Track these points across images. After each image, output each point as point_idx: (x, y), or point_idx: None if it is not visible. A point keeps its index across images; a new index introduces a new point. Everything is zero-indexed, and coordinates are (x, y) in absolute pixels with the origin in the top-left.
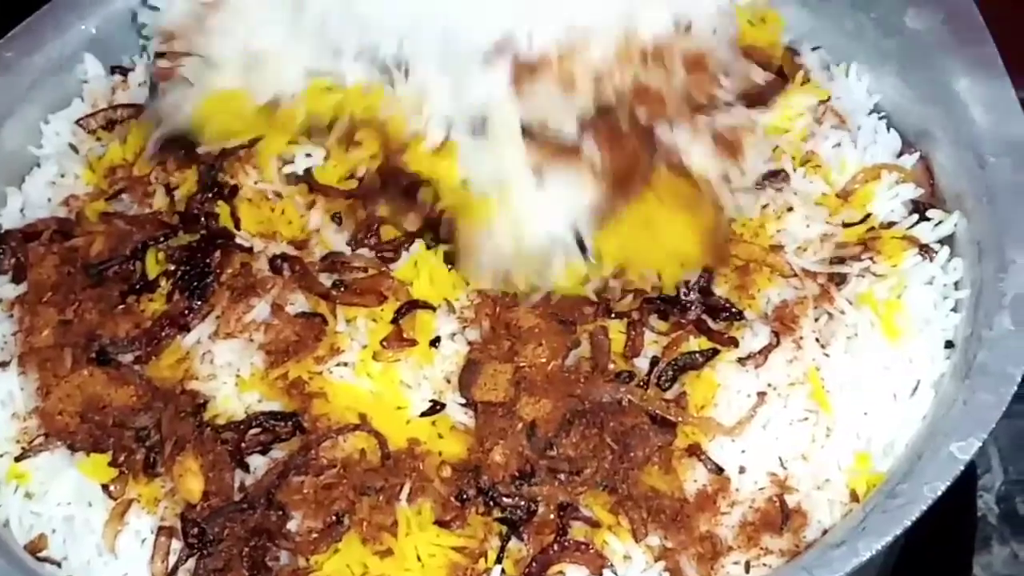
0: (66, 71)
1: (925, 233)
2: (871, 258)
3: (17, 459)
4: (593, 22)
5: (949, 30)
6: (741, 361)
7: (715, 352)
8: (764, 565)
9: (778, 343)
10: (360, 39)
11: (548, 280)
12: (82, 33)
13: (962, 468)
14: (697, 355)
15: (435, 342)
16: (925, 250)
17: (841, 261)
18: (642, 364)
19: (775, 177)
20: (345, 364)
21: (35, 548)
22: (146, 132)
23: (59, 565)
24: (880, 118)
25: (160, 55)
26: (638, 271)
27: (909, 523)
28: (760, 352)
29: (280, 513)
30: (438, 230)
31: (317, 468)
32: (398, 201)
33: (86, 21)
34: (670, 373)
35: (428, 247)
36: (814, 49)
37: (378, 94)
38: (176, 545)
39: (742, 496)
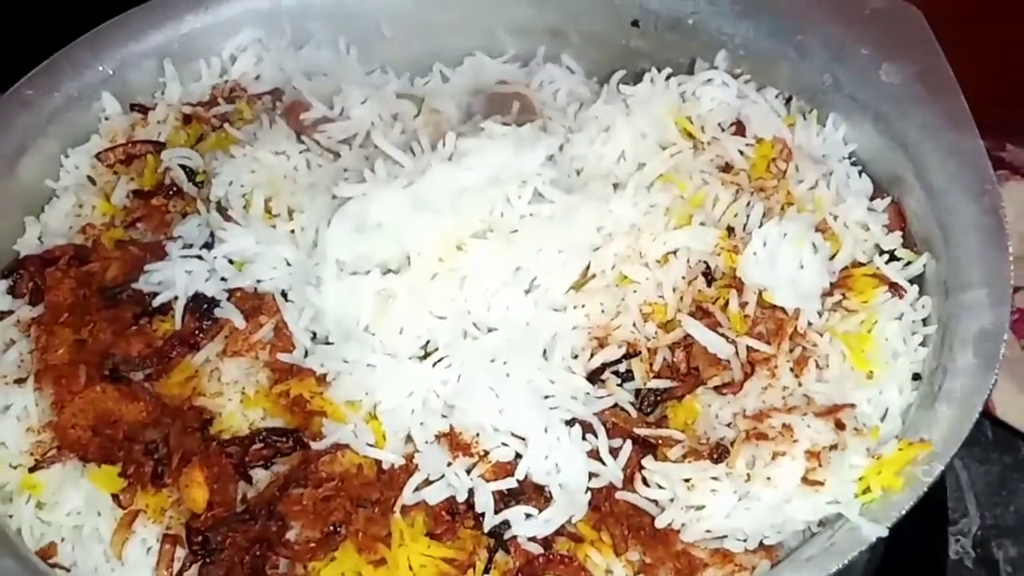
0: (83, 108)
1: (895, 273)
2: (843, 294)
3: (31, 470)
4: None
5: (922, 84)
6: (718, 389)
7: (696, 383)
8: None
9: (753, 372)
10: None
11: None
12: (99, 73)
13: (926, 489)
14: (677, 385)
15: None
16: (895, 288)
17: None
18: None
19: None
20: None
21: (45, 555)
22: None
23: (68, 571)
24: (853, 163)
25: None
26: None
27: (875, 540)
28: (736, 382)
29: (280, 523)
30: None
31: (316, 481)
32: None
33: (103, 62)
34: (652, 398)
35: None
36: (788, 99)
37: None
38: (180, 553)
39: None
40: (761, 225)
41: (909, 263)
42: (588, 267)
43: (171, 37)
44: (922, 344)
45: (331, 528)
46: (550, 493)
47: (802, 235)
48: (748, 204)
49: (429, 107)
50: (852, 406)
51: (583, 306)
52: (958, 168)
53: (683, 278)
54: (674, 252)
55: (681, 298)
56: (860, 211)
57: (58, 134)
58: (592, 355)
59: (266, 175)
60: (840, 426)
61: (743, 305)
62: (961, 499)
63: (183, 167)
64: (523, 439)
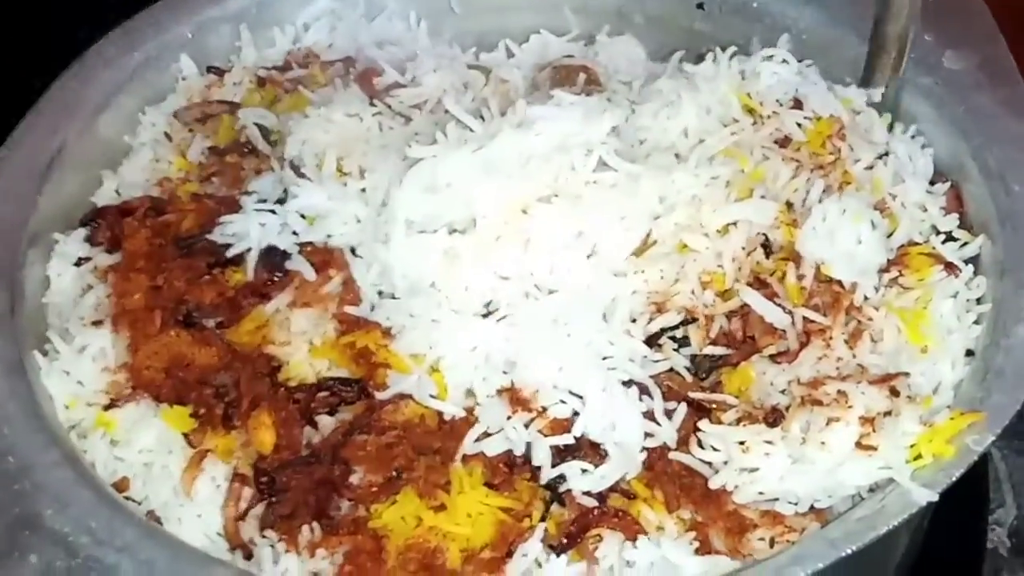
0: (162, 69)
1: (951, 253)
2: (899, 271)
3: (105, 408)
4: None
5: (983, 72)
6: (773, 358)
7: (751, 351)
8: (788, 541)
9: (808, 342)
10: None
11: None
12: (179, 35)
13: (976, 459)
14: (732, 353)
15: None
16: (950, 267)
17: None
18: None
19: None
20: None
21: (118, 488)
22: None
23: (139, 504)
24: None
25: None
26: None
27: (926, 504)
28: (792, 351)
29: (344, 467)
30: None
31: (379, 429)
32: None
33: (183, 25)
34: (707, 364)
35: None
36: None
37: None
38: (247, 492)
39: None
40: (821, 201)
41: (965, 244)
42: (649, 235)
43: (248, 3)
44: (976, 322)
45: (393, 473)
46: (605, 451)
47: (861, 211)
48: (808, 180)
49: (497, 77)
50: (906, 374)
51: (643, 272)
52: (1016, 154)
53: (742, 249)
54: (734, 223)
55: (740, 268)
56: (919, 192)
57: (137, 92)
58: (650, 320)
59: (339, 135)
60: (894, 393)
61: (800, 277)
62: (999, 490)
63: (258, 126)
64: (581, 397)
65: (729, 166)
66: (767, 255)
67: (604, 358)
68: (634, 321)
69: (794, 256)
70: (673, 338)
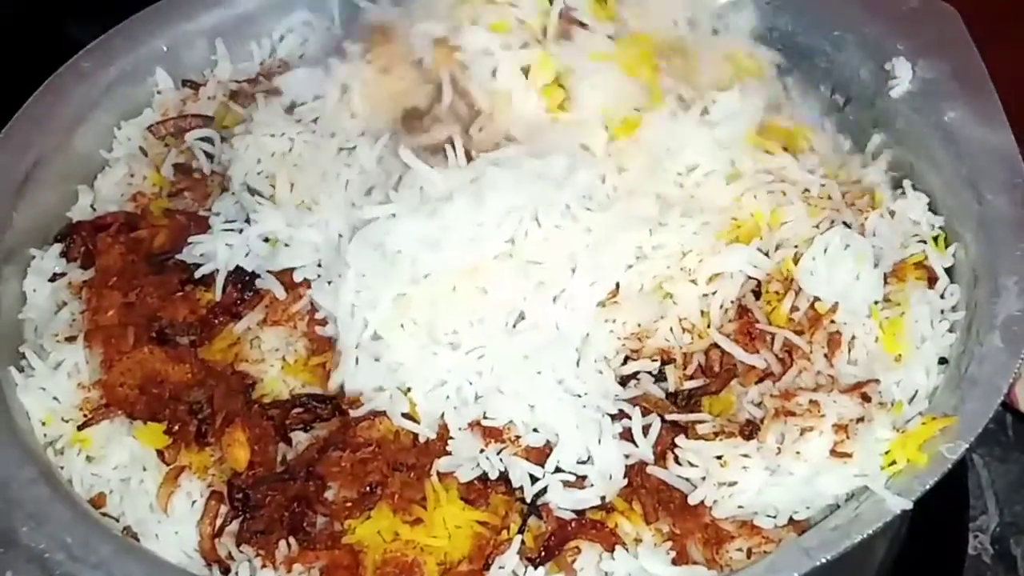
0: (138, 83)
1: (937, 264)
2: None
3: (80, 428)
4: None
5: (956, 82)
6: (759, 381)
7: (731, 377)
8: (765, 552)
9: (792, 363)
10: None
11: None
12: (154, 49)
13: (950, 466)
14: (711, 382)
15: None
16: (931, 279)
17: None
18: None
19: None
20: None
21: (95, 504)
22: None
23: (116, 520)
24: None
25: None
26: None
27: (900, 512)
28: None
29: (319, 483)
30: None
31: (354, 445)
32: None
33: (159, 38)
34: (687, 393)
35: None
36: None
37: None
38: (224, 510)
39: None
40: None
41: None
42: (618, 286)
43: (224, 17)
44: (950, 330)
45: (367, 488)
46: (585, 475)
47: (864, 251)
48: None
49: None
50: (876, 381)
51: (614, 320)
52: (988, 162)
53: (732, 302)
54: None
55: (726, 312)
56: (920, 209)
57: (112, 106)
58: (626, 360)
59: (272, 162)
60: (866, 399)
61: (794, 310)
62: (981, 496)
63: (204, 152)
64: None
65: (726, 213)
66: (757, 298)
67: (577, 395)
68: (607, 360)
69: (793, 286)
70: (649, 373)
